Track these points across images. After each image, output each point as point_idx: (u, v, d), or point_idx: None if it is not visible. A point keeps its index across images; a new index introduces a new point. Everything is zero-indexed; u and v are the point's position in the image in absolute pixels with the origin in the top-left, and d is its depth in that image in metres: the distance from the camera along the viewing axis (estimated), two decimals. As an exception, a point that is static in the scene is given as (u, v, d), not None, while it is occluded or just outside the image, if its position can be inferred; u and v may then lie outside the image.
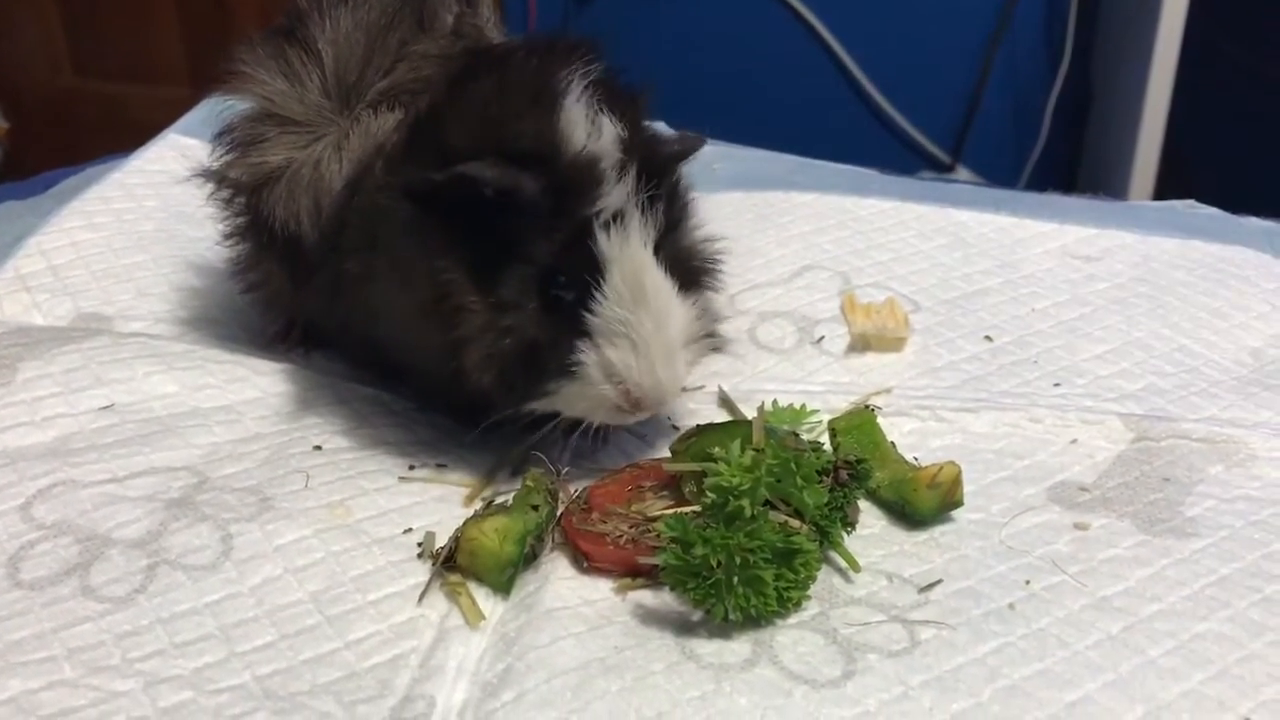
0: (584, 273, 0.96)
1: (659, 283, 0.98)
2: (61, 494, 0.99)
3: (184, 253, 1.40)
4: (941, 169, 2.81)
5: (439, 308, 0.97)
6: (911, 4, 2.72)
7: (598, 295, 0.96)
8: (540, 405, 1.00)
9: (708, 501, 0.88)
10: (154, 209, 1.48)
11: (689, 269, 1.05)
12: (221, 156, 1.16)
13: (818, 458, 0.94)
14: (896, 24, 2.74)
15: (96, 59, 3.22)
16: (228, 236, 1.22)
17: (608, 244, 0.96)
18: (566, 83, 0.97)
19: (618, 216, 0.96)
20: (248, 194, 1.13)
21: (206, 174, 1.18)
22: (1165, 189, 2.55)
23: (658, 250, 0.99)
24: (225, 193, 1.17)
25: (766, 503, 0.88)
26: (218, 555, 0.93)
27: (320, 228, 1.08)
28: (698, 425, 1.01)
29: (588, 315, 0.97)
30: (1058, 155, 2.85)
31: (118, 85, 3.21)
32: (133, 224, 1.44)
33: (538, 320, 0.97)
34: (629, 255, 0.97)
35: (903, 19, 2.73)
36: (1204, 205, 1.58)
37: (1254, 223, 1.53)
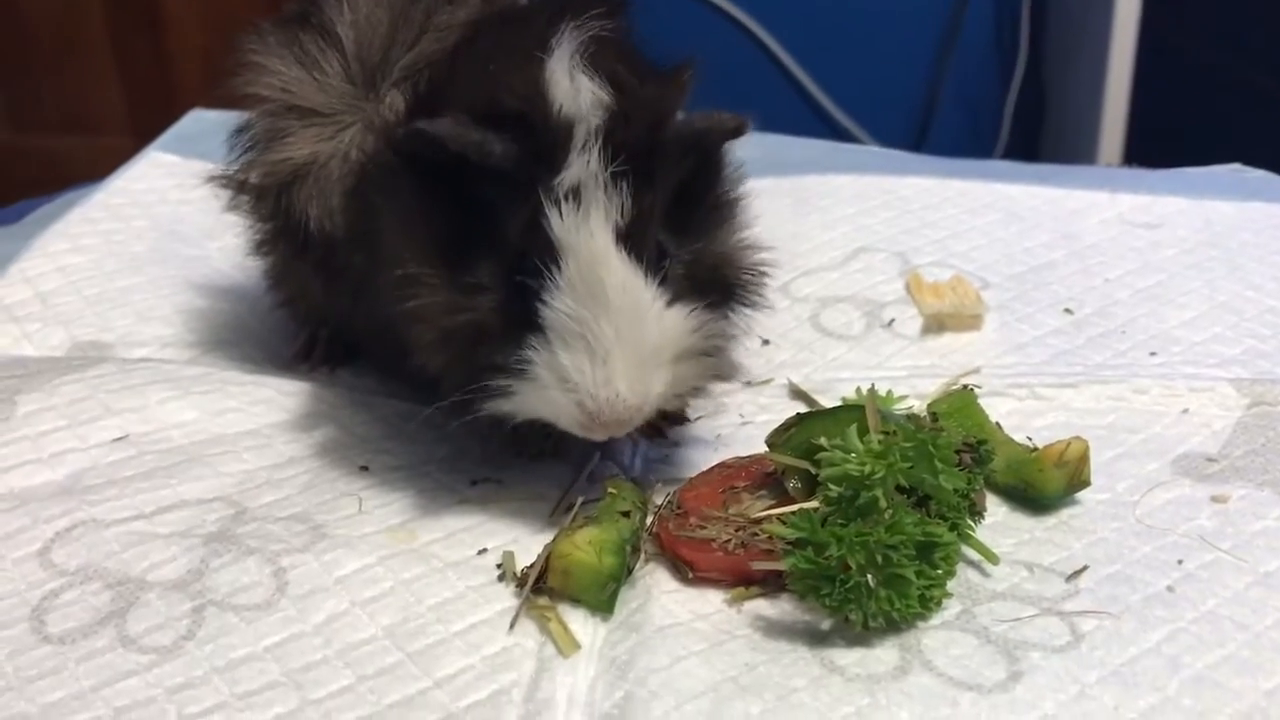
0: (543, 258, 0.82)
1: (624, 279, 0.82)
2: (83, 536, 0.87)
3: (182, 273, 1.28)
4: (901, 178, 2.75)
5: (398, 277, 0.84)
6: (860, 15, 2.65)
7: (551, 286, 0.82)
8: (497, 407, 0.85)
9: (831, 495, 0.78)
10: (144, 229, 1.36)
11: (715, 278, 0.89)
12: (239, 157, 1.04)
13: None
14: (847, 35, 2.66)
15: (33, 112, 3.07)
16: (257, 247, 1.10)
17: (561, 226, 0.81)
18: (559, 39, 0.83)
19: (574, 193, 0.81)
20: (273, 197, 1.01)
21: (224, 179, 1.07)
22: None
23: (630, 240, 0.82)
24: (247, 199, 1.06)
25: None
26: (272, 592, 0.82)
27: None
28: (797, 414, 0.91)
29: (543, 308, 0.82)
30: (1018, 158, 2.79)
31: (57, 138, 3.06)
32: (123, 245, 1.32)
33: (497, 309, 0.83)
34: (584, 241, 0.81)
35: (852, 30, 2.66)
36: (1250, 169, 1.51)
37: (1302, 183, 1.47)
